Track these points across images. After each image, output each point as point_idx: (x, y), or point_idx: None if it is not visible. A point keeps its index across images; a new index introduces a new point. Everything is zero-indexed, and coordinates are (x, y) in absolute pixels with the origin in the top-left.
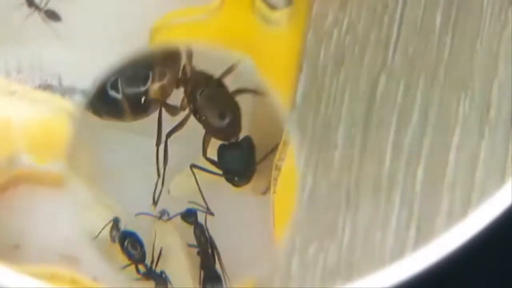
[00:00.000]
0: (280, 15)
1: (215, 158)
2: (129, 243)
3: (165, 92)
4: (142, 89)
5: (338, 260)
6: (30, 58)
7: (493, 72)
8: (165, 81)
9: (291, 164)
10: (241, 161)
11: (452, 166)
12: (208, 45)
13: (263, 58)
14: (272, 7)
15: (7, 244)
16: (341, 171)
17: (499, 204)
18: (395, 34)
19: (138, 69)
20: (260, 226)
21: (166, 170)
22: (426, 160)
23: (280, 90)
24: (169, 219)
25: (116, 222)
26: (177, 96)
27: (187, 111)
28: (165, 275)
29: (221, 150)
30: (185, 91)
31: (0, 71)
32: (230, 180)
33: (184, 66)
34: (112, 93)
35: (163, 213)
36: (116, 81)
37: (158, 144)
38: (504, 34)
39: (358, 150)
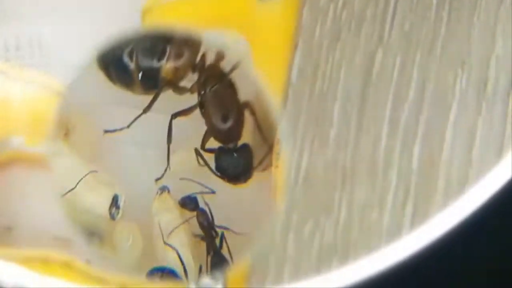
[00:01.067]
0: None
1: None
2: None
3: (178, 74)
4: (156, 64)
5: (334, 238)
6: (29, 35)
7: (491, 47)
8: (180, 62)
9: None
10: (237, 167)
11: (449, 143)
12: (202, 27)
13: (257, 35)
14: None
15: (0, 227)
16: (337, 149)
17: (497, 180)
18: (391, 9)
19: (157, 43)
20: (260, 198)
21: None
22: (422, 137)
23: (275, 68)
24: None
25: (115, 198)
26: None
27: (194, 99)
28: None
29: (218, 153)
30: (198, 80)
31: None
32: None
33: (204, 54)
34: (126, 60)
35: (163, 189)
36: (132, 50)
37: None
38: (501, 9)
39: (354, 128)
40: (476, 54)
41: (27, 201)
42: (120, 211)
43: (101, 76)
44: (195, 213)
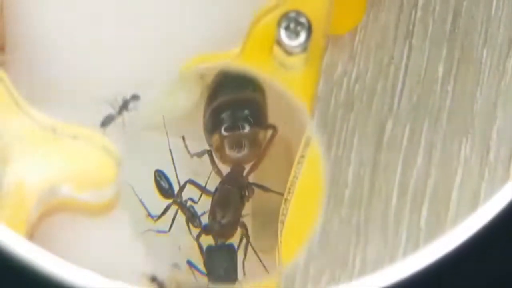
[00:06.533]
0: (296, 60)
1: None
2: None
3: (222, 151)
4: (238, 131)
5: None
6: None
7: (492, 118)
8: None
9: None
10: (224, 266)
11: (455, 204)
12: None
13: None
14: (289, 52)
15: None
16: (351, 208)
17: None
18: (400, 83)
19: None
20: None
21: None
22: (430, 199)
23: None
24: None
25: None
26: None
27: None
28: None
29: (208, 252)
30: (229, 172)
31: None
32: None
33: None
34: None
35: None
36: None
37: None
38: (502, 84)
39: (367, 189)
40: (479, 125)
41: (73, 246)
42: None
43: None
44: None
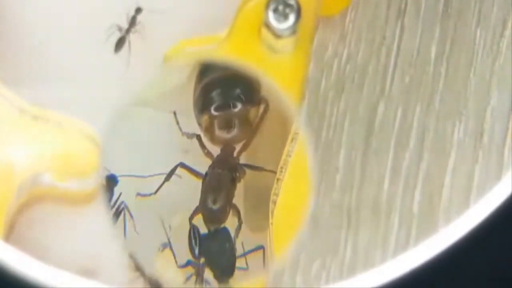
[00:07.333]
0: (285, 43)
1: None
2: None
3: (212, 132)
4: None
5: (340, 278)
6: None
7: (486, 100)
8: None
9: (290, 191)
10: (221, 251)
11: (448, 188)
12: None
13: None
14: (277, 35)
15: None
16: (342, 193)
17: None
18: (392, 64)
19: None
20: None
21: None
22: (422, 183)
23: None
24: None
25: None
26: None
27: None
28: None
29: (202, 240)
30: (219, 154)
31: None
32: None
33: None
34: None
35: (165, 246)
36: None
37: None
38: (496, 65)
39: (358, 174)
40: (472, 106)
41: (55, 234)
42: None
43: None
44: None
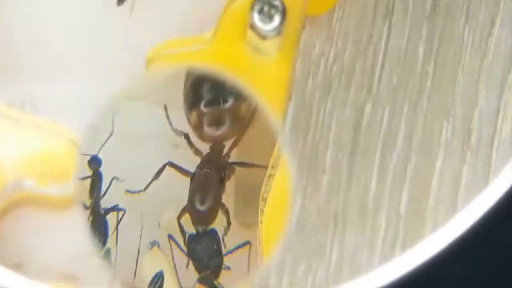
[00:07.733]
0: (270, 44)
1: None
2: None
3: (201, 129)
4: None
5: (326, 280)
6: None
7: (474, 99)
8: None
9: (278, 191)
10: (208, 253)
11: (435, 189)
12: None
13: (253, 86)
14: (263, 37)
15: (10, 263)
16: (329, 194)
17: None
18: (379, 64)
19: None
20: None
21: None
22: (410, 184)
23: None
24: None
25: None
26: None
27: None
28: None
29: (190, 241)
30: (208, 153)
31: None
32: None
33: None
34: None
35: (153, 243)
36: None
37: None
38: (484, 63)
39: (345, 175)
40: (460, 106)
41: (37, 239)
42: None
43: None
44: None
